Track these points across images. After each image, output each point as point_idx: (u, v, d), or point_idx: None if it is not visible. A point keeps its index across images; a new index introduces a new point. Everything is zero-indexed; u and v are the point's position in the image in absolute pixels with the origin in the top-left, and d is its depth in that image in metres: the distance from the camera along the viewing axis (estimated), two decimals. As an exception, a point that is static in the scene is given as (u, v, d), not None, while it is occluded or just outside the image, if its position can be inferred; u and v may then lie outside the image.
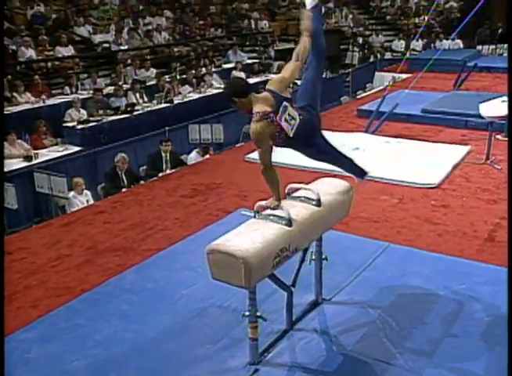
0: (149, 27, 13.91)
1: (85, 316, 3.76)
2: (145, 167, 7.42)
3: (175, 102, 10.13)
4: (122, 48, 12.65)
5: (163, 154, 7.27)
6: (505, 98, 6.68)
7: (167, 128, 8.70)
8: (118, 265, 4.57)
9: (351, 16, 17.99)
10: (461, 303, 3.81)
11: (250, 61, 13.49)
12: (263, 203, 3.17)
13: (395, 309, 3.74)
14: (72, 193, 6.55)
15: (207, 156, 7.73)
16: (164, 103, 10.02)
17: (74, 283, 4.33)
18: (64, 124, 9.04)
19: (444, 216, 5.37)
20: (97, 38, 12.83)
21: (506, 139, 7.62)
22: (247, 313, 3.09)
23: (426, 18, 16.69)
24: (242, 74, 12.22)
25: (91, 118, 9.07)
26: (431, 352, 3.30)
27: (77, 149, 8.34)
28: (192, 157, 7.72)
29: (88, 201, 6.54)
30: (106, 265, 4.59)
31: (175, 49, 13.36)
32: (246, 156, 7.17)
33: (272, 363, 3.25)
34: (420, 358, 3.25)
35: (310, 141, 3.26)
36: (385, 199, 5.81)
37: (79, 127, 8.85)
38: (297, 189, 3.45)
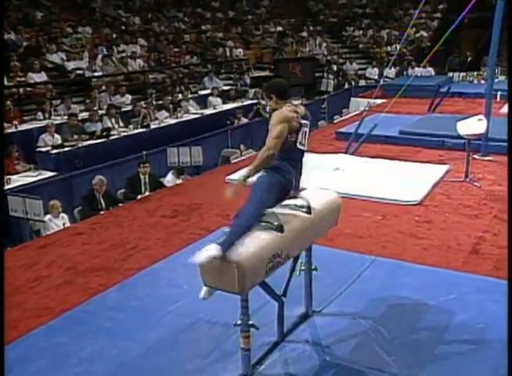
0: (124, 55, 14.02)
1: (68, 335, 3.67)
2: (123, 190, 7.37)
3: (152, 127, 10.16)
4: (96, 74, 12.69)
5: (141, 176, 7.25)
6: (481, 117, 6.93)
7: (144, 152, 8.69)
8: (100, 285, 4.50)
9: (324, 44, 18.48)
10: (451, 312, 3.85)
11: (226, 88, 13.67)
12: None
13: (386, 319, 3.76)
14: (48, 217, 6.46)
15: (183, 177, 7.77)
16: (141, 127, 10.04)
17: (54, 303, 4.24)
18: (38, 149, 8.96)
19: (428, 231, 5.46)
20: (70, 65, 12.87)
21: (483, 158, 7.88)
22: (239, 322, 3.06)
23: (398, 46, 17.28)
24: (218, 100, 12.39)
25: (65, 143, 9.01)
26: (425, 358, 3.32)
27: (51, 174, 8.25)
28: (169, 180, 7.73)
29: (64, 225, 6.44)
30: (86, 285, 4.52)
31: (150, 76, 13.47)
32: (226, 177, 7.20)
33: (265, 374, 3.22)
34: (415, 365, 3.26)
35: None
36: (368, 216, 5.89)
37: (53, 152, 8.78)
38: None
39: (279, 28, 19.09)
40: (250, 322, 3.06)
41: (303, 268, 3.70)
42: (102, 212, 6.51)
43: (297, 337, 3.56)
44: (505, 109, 10.99)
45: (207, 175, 7.80)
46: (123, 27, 16.41)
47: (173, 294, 4.15)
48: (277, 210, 3.26)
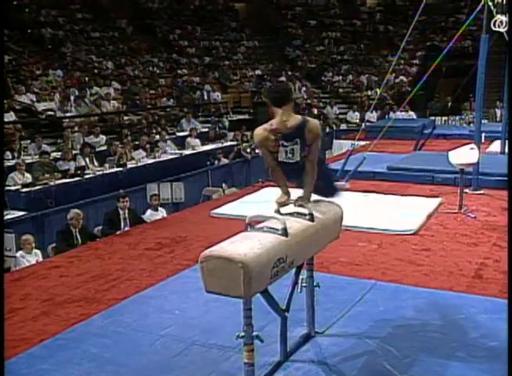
0: (97, 96, 14.17)
1: (51, 362, 3.53)
2: (100, 227, 7.27)
3: (129, 166, 10.17)
4: (68, 115, 12.76)
5: (120, 212, 7.18)
6: (473, 145, 7.12)
7: (121, 190, 8.65)
8: (81, 315, 4.36)
9: (304, 88, 19.00)
10: (463, 331, 3.83)
11: (204, 130, 13.86)
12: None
13: (395, 338, 3.72)
14: (20, 253, 6.30)
15: (162, 209, 7.74)
16: (117, 166, 10.03)
17: (32, 334, 4.09)
18: (7, 188, 8.83)
19: (427, 258, 5.49)
20: (40, 106, 12.94)
21: (475, 192, 8.04)
22: (242, 334, 2.99)
23: (378, 91, 17.89)
24: (197, 141, 12.50)
25: (37, 182, 8.92)
26: (441, 375, 3.26)
27: (21, 213, 8.11)
28: (148, 216, 7.68)
29: (37, 261, 6.28)
30: (66, 316, 4.37)
31: (125, 118, 13.60)
32: (211, 211, 7.20)
33: (270, 393, 3.12)
34: (430, 381, 3.21)
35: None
36: (363, 245, 5.90)
37: (24, 190, 8.67)
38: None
39: (258, 72, 19.61)
40: (255, 333, 2.98)
41: (304, 284, 3.66)
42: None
43: (300, 356, 3.49)
44: (491, 148, 11.39)
45: (189, 210, 7.77)
46: (95, 71, 16.67)
47: (164, 320, 4.05)
48: (279, 217, 3.26)
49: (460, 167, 6.97)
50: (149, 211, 7.76)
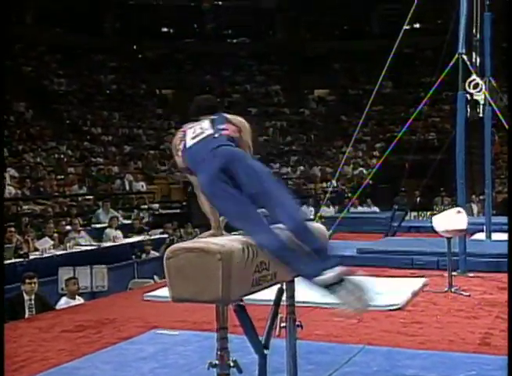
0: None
1: None
2: (-3, 319, 6.93)
3: (31, 257, 9.90)
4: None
5: (25, 297, 6.92)
6: (460, 209, 7.44)
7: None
8: (-17, 394, 4.08)
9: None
10: (478, 385, 3.84)
11: (127, 221, 13.86)
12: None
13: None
14: None
15: (80, 298, 7.54)
16: (16, 257, 9.74)
17: None
18: None
19: (420, 330, 5.56)
20: None
21: (464, 274, 8.27)
22: (216, 362, 2.90)
23: (334, 182, 18.58)
24: (118, 233, 12.39)
25: None
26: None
27: None
28: (63, 304, 7.42)
29: None
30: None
31: (25, 207, 13.45)
32: (145, 294, 7.07)
33: None
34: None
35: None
36: (341, 320, 5.89)
37: None
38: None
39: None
40: (233, 358, 2.90)
41: (284, 324, 3.62)
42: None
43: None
44: (475, 237, 11.90)
45: (116, 295, 7.64)
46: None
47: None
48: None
49: (447, 235, 7.21)
50: (63, 300, 7.50)
